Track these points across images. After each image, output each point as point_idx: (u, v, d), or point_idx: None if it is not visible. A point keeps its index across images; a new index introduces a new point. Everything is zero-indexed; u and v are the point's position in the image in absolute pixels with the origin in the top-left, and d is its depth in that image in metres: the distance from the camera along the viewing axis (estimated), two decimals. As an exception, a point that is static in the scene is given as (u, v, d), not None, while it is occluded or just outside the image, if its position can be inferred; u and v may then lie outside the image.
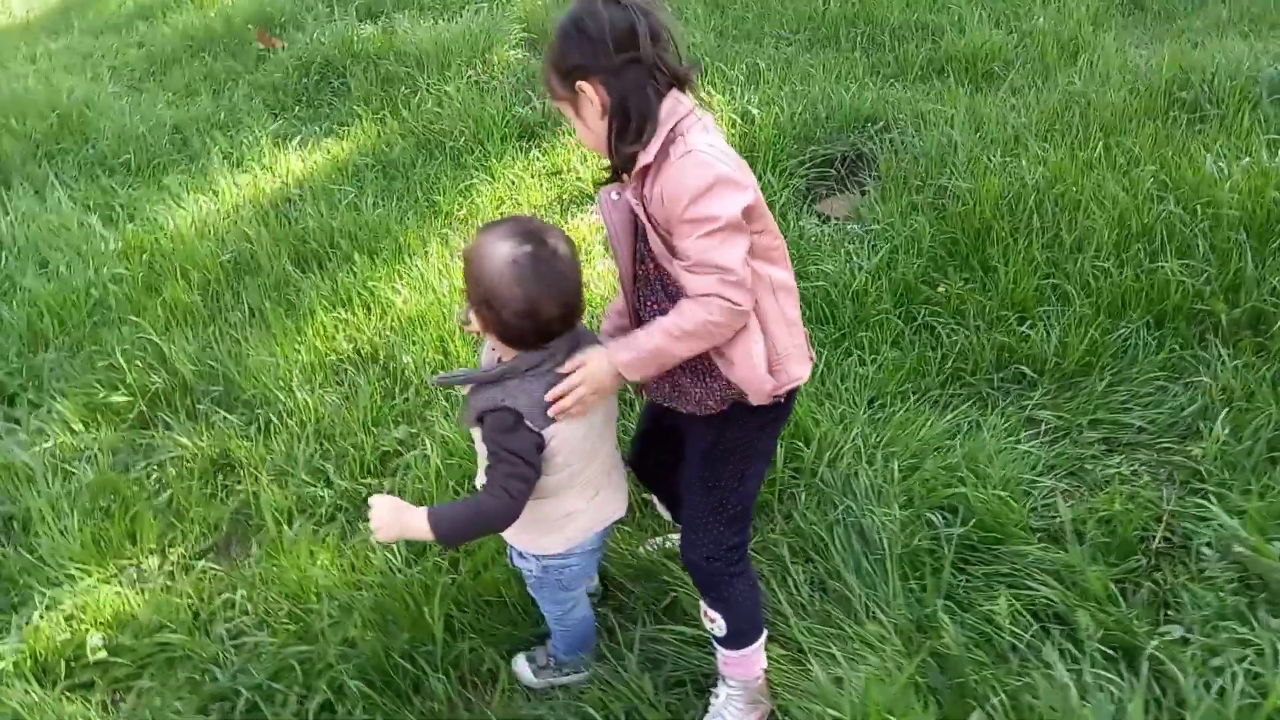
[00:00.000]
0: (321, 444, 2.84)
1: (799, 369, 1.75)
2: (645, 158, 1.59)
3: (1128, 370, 2.77)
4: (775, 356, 1.71)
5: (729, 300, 1.57)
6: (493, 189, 4.16)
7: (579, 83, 1.62)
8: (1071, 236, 3.15)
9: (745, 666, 2.00)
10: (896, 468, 2.47)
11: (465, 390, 1.75)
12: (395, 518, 1.66)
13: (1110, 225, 3.13)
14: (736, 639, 1.96)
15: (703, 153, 1.55)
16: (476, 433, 1.72)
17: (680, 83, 1.64)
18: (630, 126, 1.60)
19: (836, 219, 3.83)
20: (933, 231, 3.33)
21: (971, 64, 4.85)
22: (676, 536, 2.29)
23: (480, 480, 1.79)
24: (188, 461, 2.84)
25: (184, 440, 2.90)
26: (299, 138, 4.88)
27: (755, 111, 4.30)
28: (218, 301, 3.62)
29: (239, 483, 2.78)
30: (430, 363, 3.08)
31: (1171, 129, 3.74)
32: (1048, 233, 3.21)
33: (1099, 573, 2.14)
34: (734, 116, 4.29)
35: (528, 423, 1.63)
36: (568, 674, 2.19)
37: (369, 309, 3.42)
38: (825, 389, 2.83)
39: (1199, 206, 3.07)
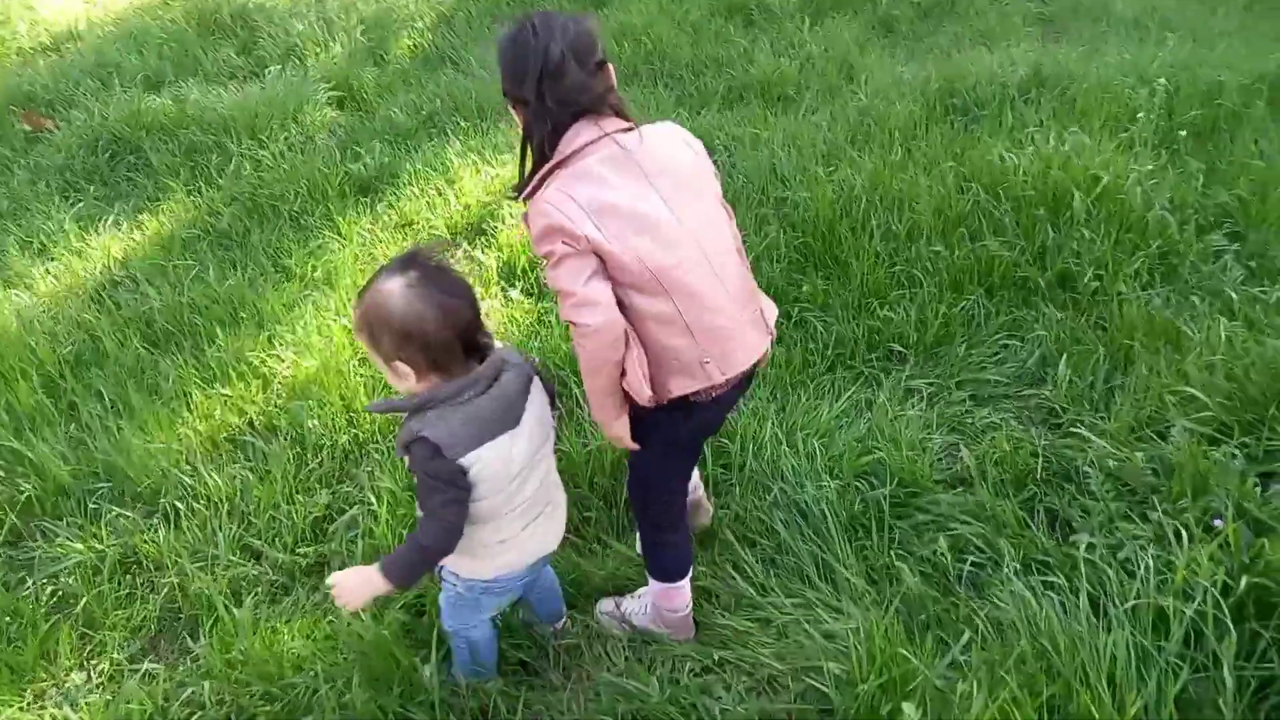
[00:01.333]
0: (242, 522, 2.71)
1: (680, 384, 1.89)
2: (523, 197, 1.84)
3: (977, 335, 3.19)
4: (655, 372, 1.87)
5: (577, 322, 1.75)
6: (344, 247, 4.10)
7: (510, 107, 1.82)
8: (904, 229, 3.58)
9: (662, 596, 2.31)
10: (816, 447, 2.72)
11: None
12: (355, 583, 1.75)
13: (932, 216, 3.59)
14: (658, 576, 2.29)
15: (546, 202, 1.73)
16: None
17: (585, 112, 1.76)
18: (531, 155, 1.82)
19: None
20: (786, 238, 3.66)
21: (767, 90, 5.34)
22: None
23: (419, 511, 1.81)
24: (89, 567, 2.62)
25: (78, 545, 2.67)
26: (109, 218, 4.55)
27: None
28: (66, 398, 3.33)
29: (159, 578, 2.59)
30: (336, 423, 3.02)
31: (955, 130, 4.32)
32: (882, 228, 3.63)
33: (1005, 506, 2.48)
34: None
35: (445, 453, 1.65)
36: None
37: (248, 381, 3.28)
38: (730, 389, 3.05)
39: (1000, 191, 3.59)
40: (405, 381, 1.69)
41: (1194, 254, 3.27)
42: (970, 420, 2.90)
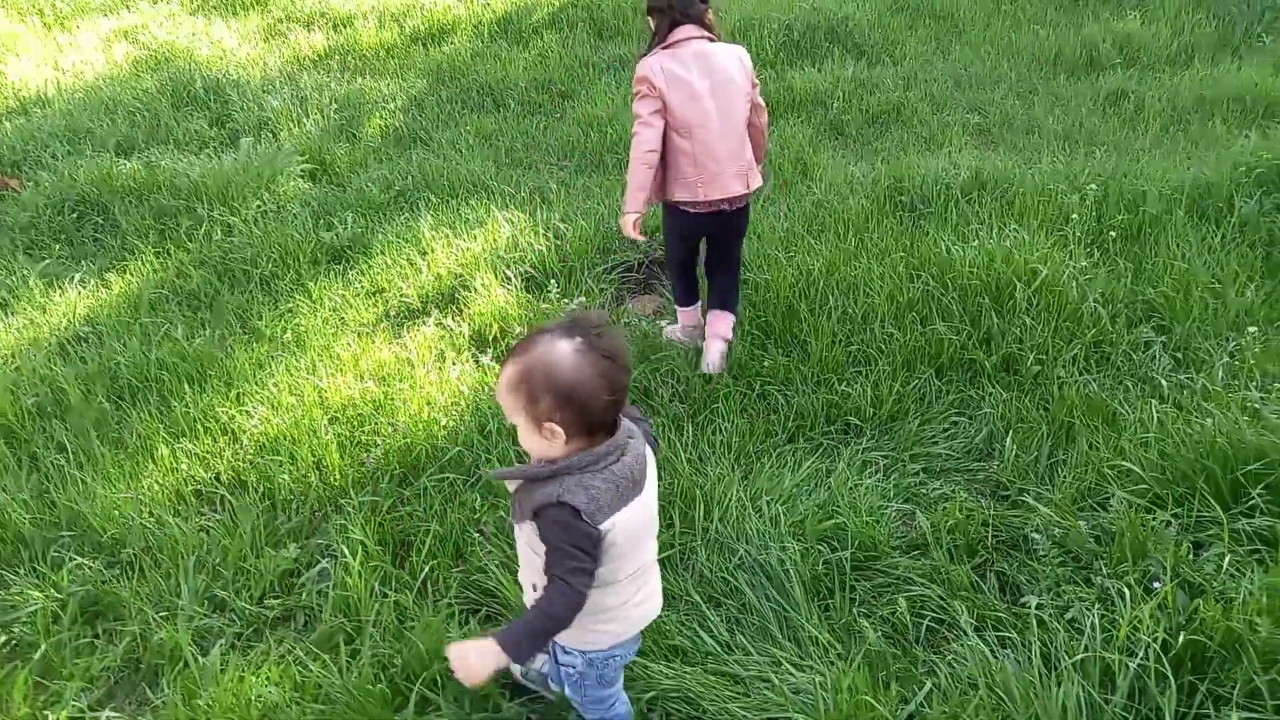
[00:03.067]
0: (209, 574, 2.70)
1: (679, 193, 3.38)
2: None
3: (929, 412, 3.37)
4: (670, 181, 3.38)
5: (636, 131, 3.29)
6: (315, 311, 4.16)
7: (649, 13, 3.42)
8: (859, 312, 3.79)
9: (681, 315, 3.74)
10: (780, 512, 2.83)
11: (512, 488, 1.77)
12: (475, 656, 1.68)
13: (886, 300, 3.82)
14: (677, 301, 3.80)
15: (646, 63, 3.27)
16: (526, 529, 1.74)
17: (691, 20, 3.30)
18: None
19: (648, 316, 4.27)
20: (750, 316, 3.84)
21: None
22: None
23: (528, 578, 1.82)
24: (47, 614, 2.57)
25: (35, 593, 2.62)
26: (75, 276, 4.55)
27: (564, 225, 4.69)
28: (27, 449, 3.30)
29: (120, 627, 2.56)
30: (308, 479, 3.04)
31: (904, 225, 4.61)
32: (838, 310, 3.84)
33: (959, 570, 2.61)
34: (545, 233, 4.65)
35: (585, 519, 1.64)
36: None
37: (215, 437, 3.29)
38: (698, 453, 3.17)
39: (948, 280, 3.83)
40: (551, 443, 1.66)
41: (1125, 344, 3.52)
42: (924, 491, 3.04)
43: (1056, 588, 2.46)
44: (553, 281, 4.20)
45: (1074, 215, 4.29)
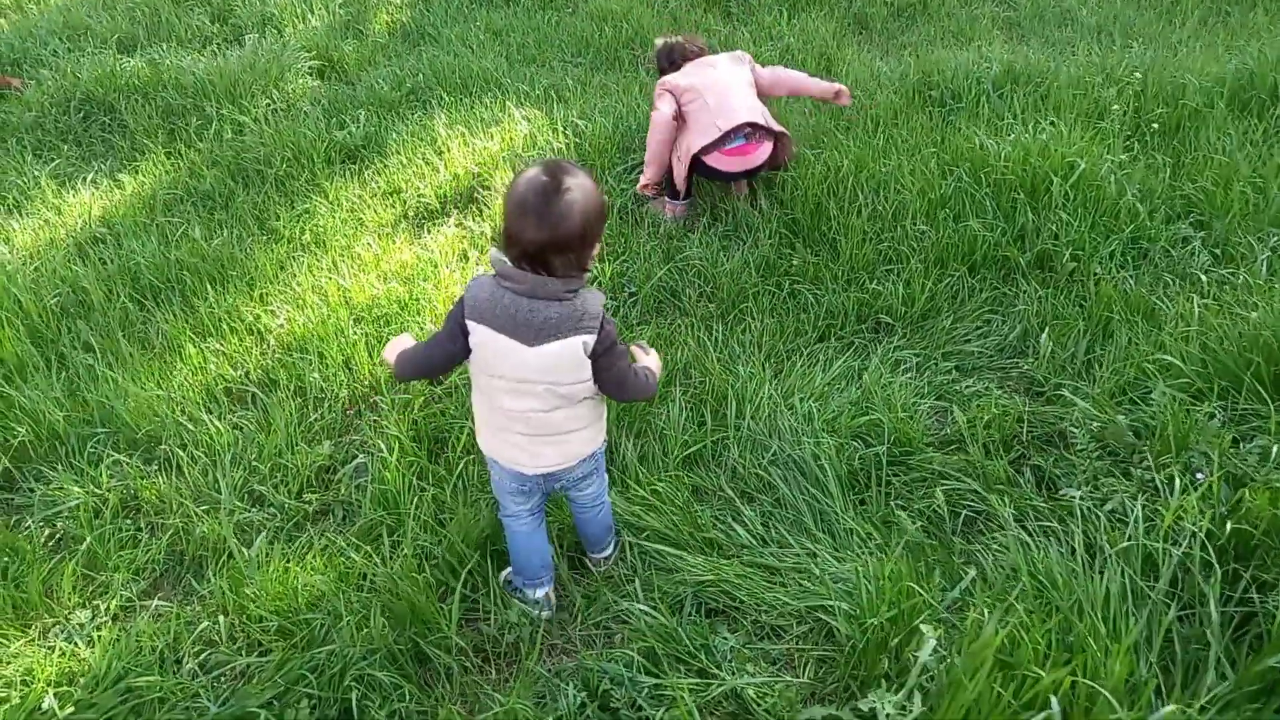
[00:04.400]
0: (246, 470, 2.71)
1: (700, 138, 3.66)
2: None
3: (961, 310, 3.32)
4: (692, 133, 3.72)
5: (656, 107, 3.80)
6: (333, 211, 4.09)
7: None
8: (890, 209, 3.70)
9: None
10: (813, 409, 2.82)
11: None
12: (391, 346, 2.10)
13: (917, 197, 3.72)
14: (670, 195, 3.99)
15: (664, 78, 3.86)
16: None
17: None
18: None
19: (673, 217, 4.18)
20: (778, 215, 3.76)
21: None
22: None
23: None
24: (88, 509, 2.59)
25: (76, 489, 2.64)
26: (87, 177, 4.47)
27: (582, 123, 4.56)
28: (54, 349, 3.28)
29: (161, 522, 2.58)
30: (337, 378, 3.03)
31: (934, 120, 4.47)
32: (868, 208, 3.75)
33: (994, 465, 2.60)
34: (564, 131, 4.53)
35: (463, 306, 1.92)
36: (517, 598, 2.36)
37: (241, 337, 3.27)
38: (728, 353, 3.14)
39: (982, 176, 3.73)
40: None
41: (1164, 240, 3.44)
42: (957, 388, 3.02)
43: (1095, 481, 2.45)
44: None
45: (1114, 107, 4.14)
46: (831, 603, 2.16)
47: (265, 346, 3.22)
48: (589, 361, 1.95)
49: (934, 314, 3.31)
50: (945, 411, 2.91)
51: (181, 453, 2.76)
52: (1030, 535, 2.26)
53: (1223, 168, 3.75)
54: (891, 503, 2.53)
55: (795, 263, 3.55)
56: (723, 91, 3.71)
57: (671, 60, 4.02)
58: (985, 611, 1.89)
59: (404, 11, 6.59)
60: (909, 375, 3.05)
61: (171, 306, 3.46)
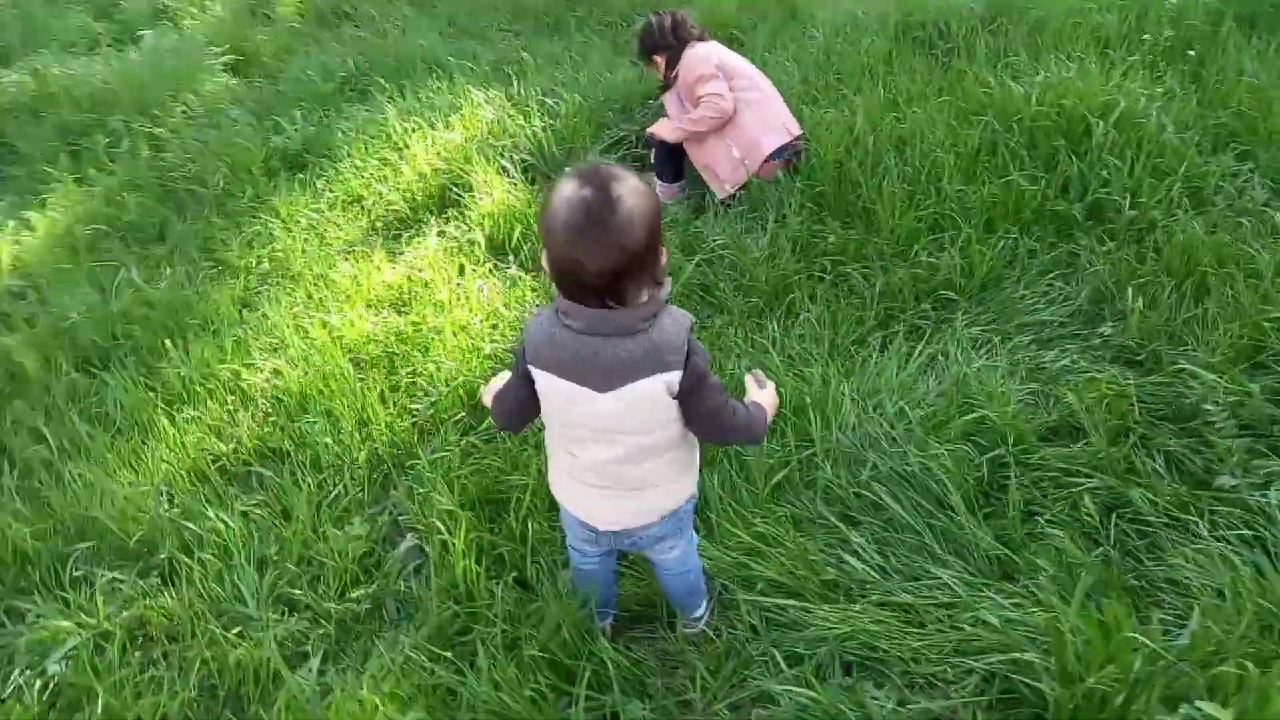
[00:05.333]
0: (272, 569, 2.27)
1: (774, 138, 3.54)
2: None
3: (1022, 276, 3.05)
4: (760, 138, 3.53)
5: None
6: (289, 231, 3.57)
7: None
8: (922, 168, 3.38)
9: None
10: (905, 410, 2.51)
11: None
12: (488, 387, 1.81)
13: (947, 153, 3.41)
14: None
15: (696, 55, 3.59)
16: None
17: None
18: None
19: (683, 199, 3.80)
20: (799, 185, 3.41)
21: (714, 32, 5.03)
22: None
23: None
24: (89, 648, 2.12)
25: (66, 623, 2.16)
26: (-15, 219, 3.82)
27: (551, 102, 4.11)
28: (-10, 440, 2.74)
29: (179, 651, 2.13)
30: (353, 439, 2.58)
31: (932, 63, 4.16)
32: (897, 170, 3.43)
33: (1121, 453, 2.34)
34: (535, 112, 4.07)
35: (524, 350, 1.63)
36: None
37: (221, 400, 2.78)
38: (787, 353, 2.80)
39: (1014, 124, 3.45)
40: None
41: (1216, 177, 3.22)
42: (1043, 366, 2.75)
43: (1247, 464, 2.22)
44: (566, 169, 3.66)
45: (1147, 36, 3.88)
46: (1024, 656, 1.86)
47: (254, 409, 2.74)
48: (675, 403, 1.61)
49: (995, 283, 3.03)
50: (1044, 395, 2.63)
51: (188, 559, 2.29)
52: (1202, 538, 2.01)
53: (1253, 91, 3.54)
54: (1018, 513, 2.24)
55: (831, 240, 3.21)
56: (772, 88, 3.62)
57: (678, 35, 3.65)
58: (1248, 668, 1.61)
59: (313, -11, 5.94)
60: (990, 357, 2.77)
61: (126, 371, 2.94)
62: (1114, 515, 2.20)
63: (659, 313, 1.53)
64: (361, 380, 2.74)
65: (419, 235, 3.53)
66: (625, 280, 1.47)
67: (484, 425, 2.58)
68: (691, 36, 3.68)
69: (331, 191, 3.81)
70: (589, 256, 1.43)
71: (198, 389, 2.81)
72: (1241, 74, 3.66)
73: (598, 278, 1.45)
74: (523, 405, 1.71)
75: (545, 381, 1.61)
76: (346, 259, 3.40)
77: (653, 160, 3.90)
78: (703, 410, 1.64)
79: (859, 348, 2.86)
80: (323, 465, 2.52)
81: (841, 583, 2.22)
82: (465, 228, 3.47)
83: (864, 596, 2.17)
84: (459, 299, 3.06)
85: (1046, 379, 2.70)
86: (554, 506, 2.31)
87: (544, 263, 1.52)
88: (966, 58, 4.17)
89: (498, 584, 2.10)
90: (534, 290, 3.14)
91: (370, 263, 3.35)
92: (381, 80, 4.67)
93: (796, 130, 3.56)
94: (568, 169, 1.49)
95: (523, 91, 4.30)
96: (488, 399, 1.81)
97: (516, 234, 3.35)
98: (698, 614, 2.17)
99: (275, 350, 2.91)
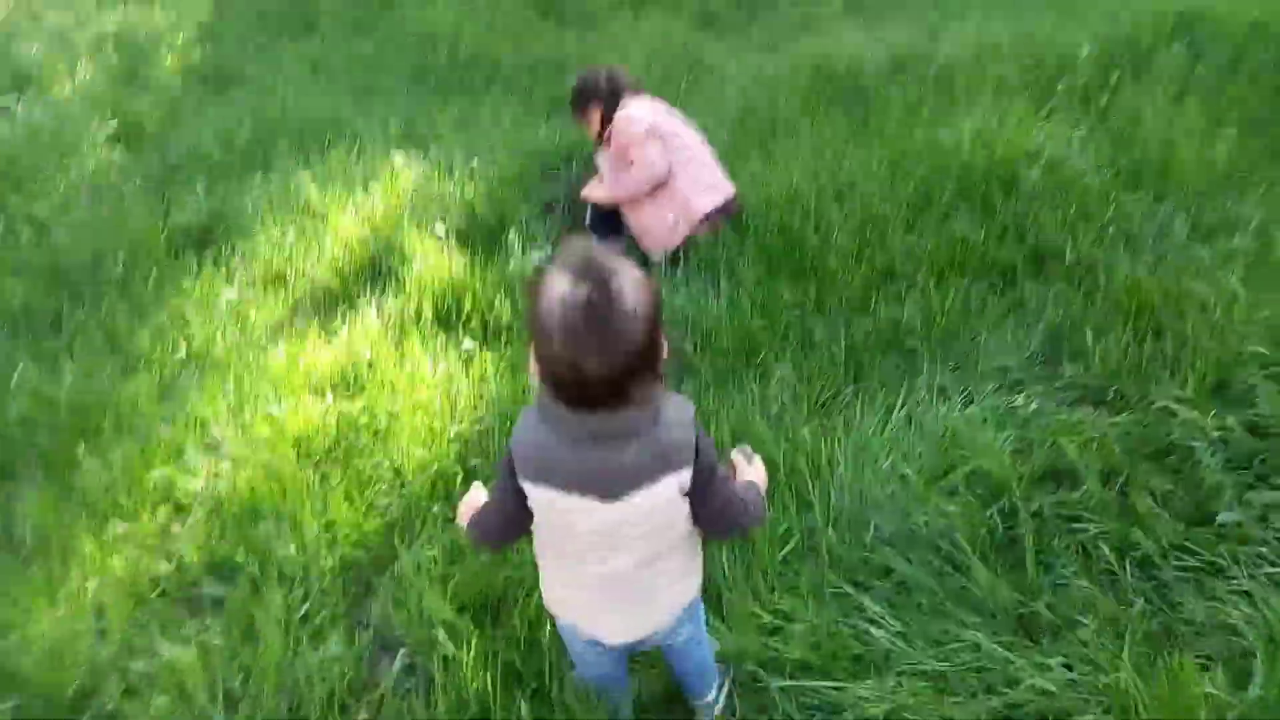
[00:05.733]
0: (246, 705, 1.99)
1: (709, 198, 3.53)
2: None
3: (977, 323, 3.08)
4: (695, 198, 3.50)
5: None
6: (205, 315, 3.27)
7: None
8: (866, 220, 3.40)
9: None
10: (900, 463, 2.47)
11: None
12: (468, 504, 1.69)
13: (893, 206, 3.44)
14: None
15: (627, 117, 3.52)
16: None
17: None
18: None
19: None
20: (748, 243, 3.38)
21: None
22: None
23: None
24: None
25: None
26: None
27: (480, 163, 3.97)
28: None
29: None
30: (317, 545, 2.33)
31: (848, 114, 4.25)
32: (838, 223, 3.43)
33: (1109, 495, 2.35)
34: (463, 175, 3.91)
35: (513, 463, 1.48)
36: None
37: (152, 512, 2.48)
38: (767, 416, 2.72)
39: (946, 172, 3.52)
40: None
41: (1138, 216, 3.36)
42: (1015, 409, 2.76)
43: (1240, 497, 2.26)
44: (512, 231, 3.52)
45: (1063, 81, 4.05)
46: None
47: (194, 518, 2.45)
48: (685, 501, 1.49)
49: (954, 333, 3.05)
50: (1025, 442, 2.64)
51: (138, 705, 1.99)
52: (1231, 575, 2.02)
53: (1158, 131, 3.74)
54: (1037, 565, 2.21)
55: (786, 296, 3.18)
56: (705, 148, 3.60)
57: (613, 90, 3.58)
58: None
59: (193, 51, 5.61)
60: (965, 405, 2.77)
61: (34, 485, 2.58)
62: (1125, 560, 2.20)
63: (661, 406, 1.41)
64: (319, 476, 2.49)
65: (353, 311, 3.29)
66: (629, 381, 1.33)
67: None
68: (626, 89, 3.62)
69: (248, 269, 3.52)
70: (591, 361, 1.29)
71: (123, 500, 2.49)
72: (1139, 120, 3.87)
73: (599, 383, 1.31)
74: (510, 523, 1.57)
75: (541, 496, 1.46)
76: (276, 342, 3.13)
77: (587, 219, 3.81)
78: (715, 505, 1.53)
79: (834, 403, 2.81)
80: (285, 577, 2.26)
81: (865, 655, 2.13)
82: (406, 299, 3.26)
83: (890, 668, 2.09)
84: (411, 378, 2.85)
85: (1020, 424, 2.71)
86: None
87: (532, 365, 1.38)
88: (881, 109, 4.28)
89: (516, 699, 1.90)
90: (496, 365, 2.96)
91: (304, 344, 3.10)
92: (284, 144, 4.41)
93: (729, 190, 3.54)
94: (555, 261, 1.34)
95: (443, 154, 4.13)
96: (463, 519, 1.68)
97: (467, 304, 3.16)
98: (710, 697, 2.03)
99: (211, 449, 2.63)
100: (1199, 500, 2.32)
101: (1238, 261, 3.04)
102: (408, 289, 3.31)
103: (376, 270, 3.50)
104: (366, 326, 3.15)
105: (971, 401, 2.80)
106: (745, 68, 5.04)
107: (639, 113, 3.50)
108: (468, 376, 2.88)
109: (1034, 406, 2.75)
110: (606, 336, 1.29)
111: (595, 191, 3.66)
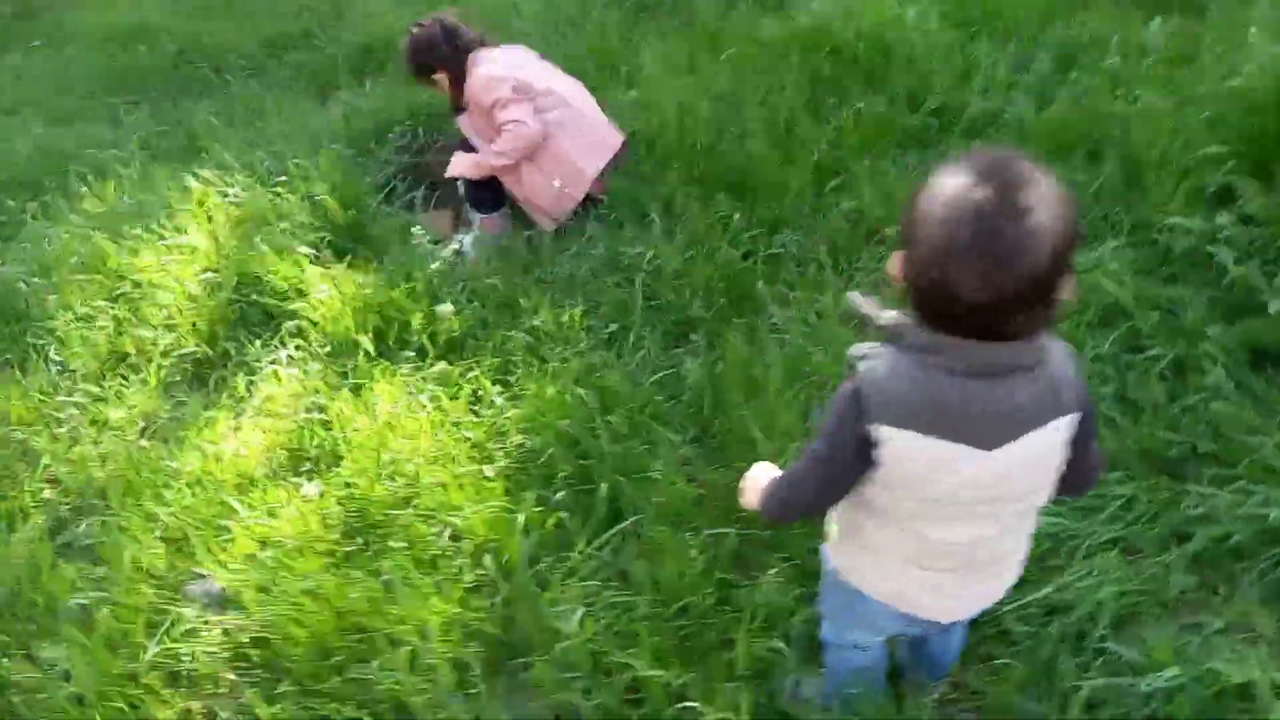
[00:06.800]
0: None
1: (593, 158, 3.07)
2: None
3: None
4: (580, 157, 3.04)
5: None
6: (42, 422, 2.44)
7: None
8: (778, 119, 3.22)
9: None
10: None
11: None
12: (752, 481, 1.50)
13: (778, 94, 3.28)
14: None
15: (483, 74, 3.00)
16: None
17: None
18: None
19: (492, 234, 3.26)
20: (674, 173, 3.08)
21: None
22: None
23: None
24: None
25: None
26: None
27: (301, 162, 3.28)
28: None
29: None
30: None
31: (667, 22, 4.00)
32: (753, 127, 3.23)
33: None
34: (294, 178, 3.21)
35: (862, 403, 1.20)
36: None
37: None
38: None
39: (823, 53, 3.41)
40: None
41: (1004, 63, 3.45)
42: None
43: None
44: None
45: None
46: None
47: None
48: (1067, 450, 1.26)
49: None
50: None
51: None
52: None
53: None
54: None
55: (737, 217, 2.94)
56: (585, 98, 3.14)
57: (456, 47, 3.07)
58: None
59: None
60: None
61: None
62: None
63: (1045, 344, 1.18)
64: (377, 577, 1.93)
65: (241, 371, 2.61)
66: (1024, 311, 1.09)
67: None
68: (472, 44, 3.11)
69: (68, 360, 2.67)
70: (980, 281, 1.05)
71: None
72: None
73: (987, 308, 1.08)
74: (836, 482, 1.31)
75: (903, 444, 1.20)
76: (160, 438, 2.41)
77: (463, 194, 3.30)
78: (1090, 459, 1.31)
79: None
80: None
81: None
82: (318, 338, 2.63)
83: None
84: (389, 427, 2.30)
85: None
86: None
87: (899, 270, 1.16)
88: (690, 10, 4.08)
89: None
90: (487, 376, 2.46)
91: (209, 433, 2.40)
92: (9, 198, 3.39)
93: (618, 139, 3.12)
94: (960, 157, 1.08)
95: (239, 162, 3.37)
96: (753, 498, 1.47)
97: (410, 323, 2.60)
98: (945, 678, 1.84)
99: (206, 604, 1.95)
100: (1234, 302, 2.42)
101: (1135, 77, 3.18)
102: (303, 326, 2.66)
103: (246, 319, 2.79)
104: (288, 384, 2.49)
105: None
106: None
107: (499, 69, 3.00)
108: (455, 400, 2.37)
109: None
110: (999, 255, 1.03)
111: (462, 167, 3.15)
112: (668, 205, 3.01)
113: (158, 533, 2.14)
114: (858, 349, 1.24)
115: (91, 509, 2.24)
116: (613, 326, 2.61)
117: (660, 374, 2.40)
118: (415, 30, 3.14)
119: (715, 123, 3.26)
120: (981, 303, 1.07)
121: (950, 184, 1.07)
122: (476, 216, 3.29)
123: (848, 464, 1.26)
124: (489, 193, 3.22)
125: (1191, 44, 3.26)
